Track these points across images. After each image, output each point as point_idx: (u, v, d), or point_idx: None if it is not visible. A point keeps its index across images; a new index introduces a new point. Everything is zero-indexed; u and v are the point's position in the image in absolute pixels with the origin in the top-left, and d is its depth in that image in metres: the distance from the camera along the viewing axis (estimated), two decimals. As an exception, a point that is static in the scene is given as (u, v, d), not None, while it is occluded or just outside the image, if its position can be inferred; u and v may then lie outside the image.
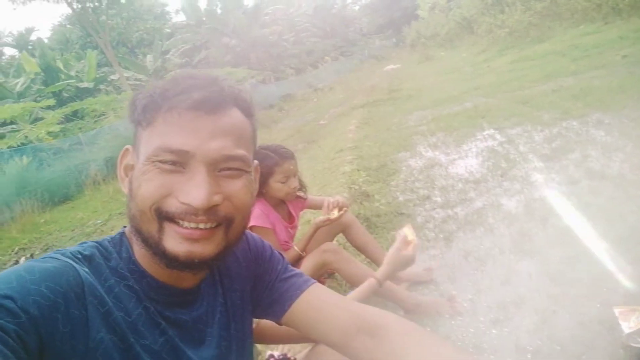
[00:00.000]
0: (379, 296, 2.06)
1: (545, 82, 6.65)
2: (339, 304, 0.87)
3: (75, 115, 15.99)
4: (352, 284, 2.13)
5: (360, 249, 2.38)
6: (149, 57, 29.01)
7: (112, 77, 23.65)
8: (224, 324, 0.84)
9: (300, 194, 2.32)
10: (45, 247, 5.90)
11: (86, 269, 0.66)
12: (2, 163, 8.02)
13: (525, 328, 1.76)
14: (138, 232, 0.70)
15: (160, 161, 0.67)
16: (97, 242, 0.74)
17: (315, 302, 0.87)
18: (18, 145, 10.24)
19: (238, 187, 0.71)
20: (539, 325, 1.76)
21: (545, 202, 2.79)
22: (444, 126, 5.81)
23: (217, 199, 0.68)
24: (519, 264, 2.23)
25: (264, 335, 1.26)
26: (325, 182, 4.54)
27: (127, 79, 24.35)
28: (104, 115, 15.44)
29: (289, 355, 1.42)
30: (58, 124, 13.51)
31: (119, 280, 0.70)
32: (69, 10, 21.58)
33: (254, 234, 0.98)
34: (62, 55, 25.71)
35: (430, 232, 2.87)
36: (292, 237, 2.29)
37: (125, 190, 0.73)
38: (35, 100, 15.96)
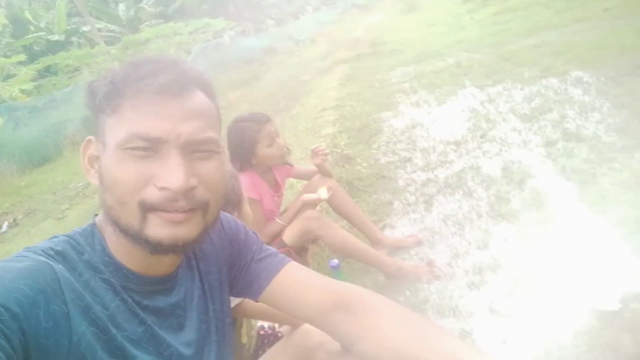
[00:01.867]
0: (360, 260, 2.14)
1: (528, 36, 6.60)
2: (314, 282, 0.89)
3: (48, 70, 15.37)
4: (335, 250, 2.20)
5: (343, 215, 2.44)
6: (122, 6, 27.61)
7: (84, 28, 22.57)
8: (202, 308, 0.86)
9: (286, 160, 2.34)
10: (28, 211, 5.85)
11: (60, 265, 0.66)
12: (-24, 124, 7.78)
13: (500, 292, 1.87)
14: (116, 222, 0.69)
15: (131, 148, 0.66)
16: (68, 236, 0.73)
17: (290, 281, 0.90)
18: (-9, 105, 9.89)
19: (211, 169, 0.72)
20: (514, 288, 1.86)
21: (522, 165, 2.87)
22: (426, 83, 5.79)
23: (193, 181, 0.68)
24: (496, 228, 2.32)
25: (250, 312, 1.31)
26: (308, 143, 4.54)
27: (100, 30, 23.30)
28: (77, 70, 14.87)
29: (278, 328, 1.49)
30: (31, 80, 13.01)
31: (94, 274, 0.70)
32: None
33: (227, 215, 1.00)
34: (30, 5, 24.37)
35: (411, 195, 2.94)
36: (278, 205, 2.33)
37: (95, 181, 0.72)
38: (5, 56, 15.25)
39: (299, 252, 2.26)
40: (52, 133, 8.33)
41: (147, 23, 25.01)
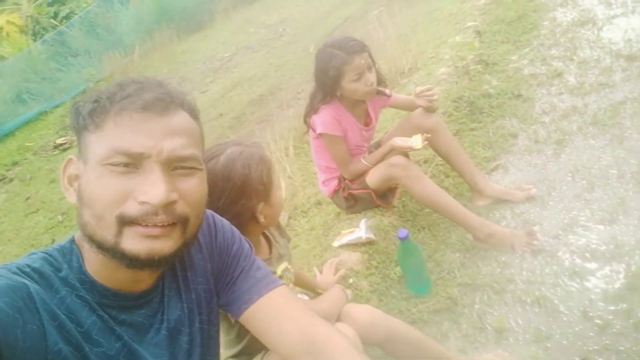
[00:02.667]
0: (448, 218, 1.91)
1: None
2: (293, 317, 0.86)
3: None
4: (422, 202, 1.98)
5: (442, 155, 2.13)
6: None
7: None
8: (188, 319, 0.86)
9: (382, 89, 2.06)
10: (180, 80, 6.41)
11: (35, 283, 0.67)
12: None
13: (606, 292, 1.51)
14: (91, 238, 0.70)
15: (112, 164, 0.67)
16: (46, 253, 0.73)
17: (271, 310, 0.87)
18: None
19: (192, 185, 0.74)
20: (625, 292, 1.49)
21: None
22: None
23: (174, 196, 0.69)
24: (638, 198, 1.82)
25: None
26: (446, 36, 3.95)
27: None
28: None
29: None
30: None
31: (70, 291, 0.70)
32: None
33: (225, 223, 0.95)
34: None
35: (544, 129, 2.43)
36: (367, 139, 2.12)
37: (72, 199, 0.73)
38: None
39: (384, 194, 2.09)
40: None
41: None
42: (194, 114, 0.78)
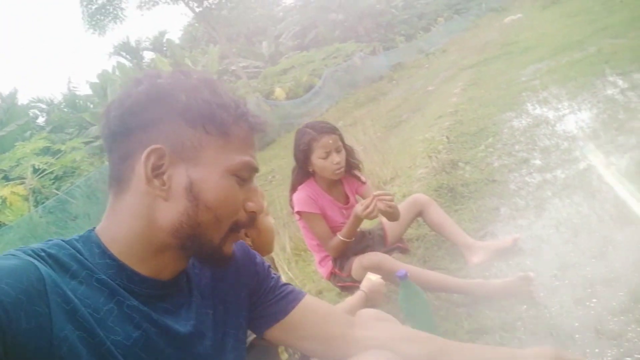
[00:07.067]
0: (447, 292, 1.93)
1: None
2: (328, 318, 0.95)
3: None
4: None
5: (436, 228, 2.24)
6: (264, 44, 30.37)
7: (233, 67, 25.29)
8: (214, 327, 0.84)
9: (358, 174, 2.25)
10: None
11: (49, 267, 0.65)
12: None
13: (612, 309, 1.51)
14: (196, 237, 0.74)
15: (238, 175, 0.76)
16: (63, 240, 0.73)
17: (306, 315, 0.94)
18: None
19: None
20: (629, 305, 1.49)
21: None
22: (559, 77, 5.14)
23: None
24: (620, 233, 1.90)
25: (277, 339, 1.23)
26: (418, 153, 4.35)
27: (246, 67, 25.85)
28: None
29: None
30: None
31: (87, 277, 0.69)
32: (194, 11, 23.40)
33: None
34: (190, 52, 28.14)
35: (522, 200, 2.59)
36: (347, 217, 2.24)
37: (161, 193, 0.72)
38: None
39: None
40: None
41: (286, 55, 27.03)
42: None
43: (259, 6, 32.43)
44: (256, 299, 0.93)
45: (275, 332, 0.93)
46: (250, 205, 0.77)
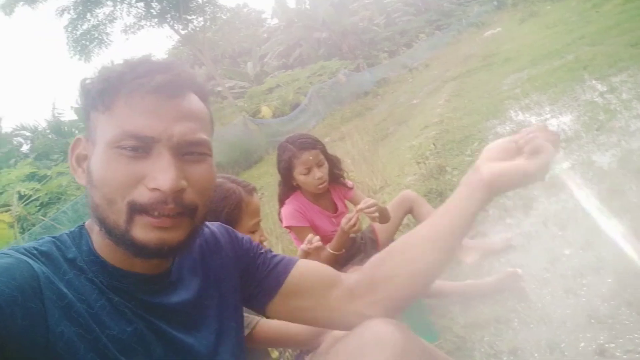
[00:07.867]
0: (439, 297, 1.95)
1: (665, 16, 5.68)
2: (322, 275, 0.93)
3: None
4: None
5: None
6: (249, 65, 30.64)
7: (218, 88, 25.42)
8: (217, 312, 0.84)
9: (346, 181, 2.26)
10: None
11: (42, 264, 0.65)
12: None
13: (602, 296, 1.54)
14: (102, 222, 0.68)
15: (121, 147, 0.66)
16: (54, 237, 0.72)
17: (303, 278, 0.91)
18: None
19: (201, 172, 0.72)
20: (619, 292, 1.53)
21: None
22: (540, 85, 5.27)
23: (183, 183, 0.68)
24: (606, 225, 1.95)
25: (262, 340, 1.25)
26: (406, 162, 4.41)
27: (232, 87, 26.00)
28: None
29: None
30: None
31: (78, 274, 0.69)
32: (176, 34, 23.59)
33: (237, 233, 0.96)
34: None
35: (509, 200, 2.64)
36: (337, 225, 2.24)
37: (82, 181, 0.72)
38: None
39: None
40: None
41: (271, 75, 27.29)
42: (203, 97, 0.76)
43: (243, 27, 32.86)
44: (250, 276, 0.90)
45: (276, 305, 0.89)
46: (150, 182, 0.65)
